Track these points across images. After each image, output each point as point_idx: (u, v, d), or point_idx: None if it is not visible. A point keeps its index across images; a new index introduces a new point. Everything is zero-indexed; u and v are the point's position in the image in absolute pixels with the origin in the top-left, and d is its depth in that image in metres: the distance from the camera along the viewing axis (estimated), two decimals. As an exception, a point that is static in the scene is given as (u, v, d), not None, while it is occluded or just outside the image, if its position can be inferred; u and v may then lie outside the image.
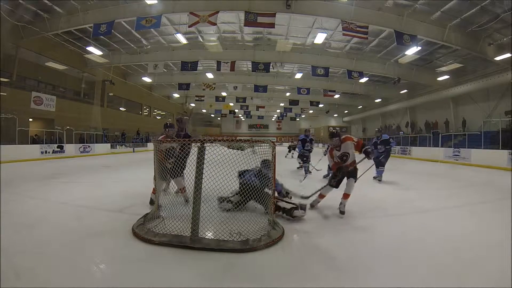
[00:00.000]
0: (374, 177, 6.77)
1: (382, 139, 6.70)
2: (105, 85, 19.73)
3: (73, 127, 15.76)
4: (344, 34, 10.98)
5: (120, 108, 23.96)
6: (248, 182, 3.36)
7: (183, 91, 21.06)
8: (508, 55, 11.59)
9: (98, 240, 2.68)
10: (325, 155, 5.82)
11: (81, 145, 15.36)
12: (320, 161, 8.00)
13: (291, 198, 3.97)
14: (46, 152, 12.71)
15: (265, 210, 3.37)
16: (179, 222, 2.81)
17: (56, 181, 6.21)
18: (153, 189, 3.99)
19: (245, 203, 3.37)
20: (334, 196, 4.69)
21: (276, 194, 3.67)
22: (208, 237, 2.64)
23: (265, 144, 3.23)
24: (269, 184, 3.36)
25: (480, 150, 11.94)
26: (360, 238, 2.85)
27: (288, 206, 3.45)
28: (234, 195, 3.54)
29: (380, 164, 6.66)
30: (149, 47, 16.06)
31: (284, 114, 34.88)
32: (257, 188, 3.26)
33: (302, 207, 3.47)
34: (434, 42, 12.00)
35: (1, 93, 12.48)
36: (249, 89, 23.16)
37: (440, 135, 16.01)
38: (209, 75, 18.82)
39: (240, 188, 3.44)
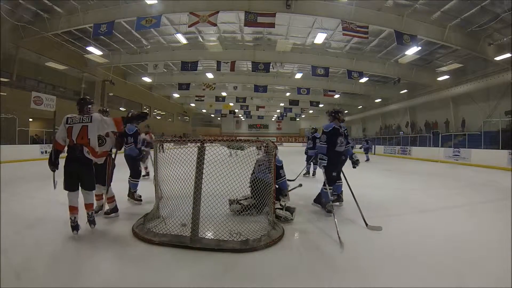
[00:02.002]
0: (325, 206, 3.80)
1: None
2: (105, 85, 19.73)
3: (73, 127, 15.75)
4: (344, 34, 10.98)
5: (120, 108, 23.95)
6: (260, 178, 3.28)
7: (183, 90, 21.07)
8: (508, 55, 11.59)
9: (98, 240, 2.68)
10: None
11: (81, 145, 15.34)
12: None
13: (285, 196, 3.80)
14: (46, 152, 12.69)
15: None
16: (179, 222, 2.81)
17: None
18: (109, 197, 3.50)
19: (262, 205, 3.19)
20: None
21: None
22: (208, 237, 2.63)
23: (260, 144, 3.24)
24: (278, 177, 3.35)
25: (480, 150, 11.94)
26: (360, 238, 2.85)
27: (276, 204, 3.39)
28: (246, 199, 3.46)
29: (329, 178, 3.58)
30: (149, 47, 16.06)
31: (284, 114, 34.88)
32: (269, 183, 3.22)
33: (290, 210, 3.38)
34: (434, 42, 12.00)
35: (1, 93, 12.48)
36: (249, 89, 23.16)
37: (440, 135, 16.01)
38: (209, 75, 18.82)
39: (251, 187, 3.33)
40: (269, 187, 3.19)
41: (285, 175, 3.80)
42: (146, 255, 2.36)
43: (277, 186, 3.62)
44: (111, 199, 3.45)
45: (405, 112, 24.20)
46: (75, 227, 2.72)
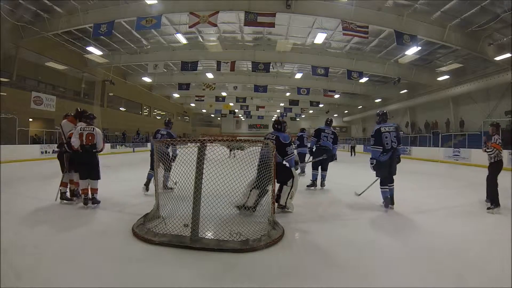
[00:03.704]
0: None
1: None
2: (105, 85, 19.74)
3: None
4: (344, 34, 10.98)
5: (120, 108, 23.96)
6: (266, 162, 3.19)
7: (183, 90, 21.08)
8: (508, 55, 11.59)
9: (98, 240, 2.68)
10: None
11: (81, 145, 15.33)
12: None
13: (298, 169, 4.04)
14: (46, 152, 12.70)
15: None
16: (179, 222, 2.81)
17: (56, 181, 6.19)
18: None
19: (265, 191, 3.22)
20: (334, 196, 4.70)
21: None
22: (208, 237, 2.64)
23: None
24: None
25: (480, 150, 11.90)
26: (360, 238, 2.85)
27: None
28: (249, 196, 3.42)
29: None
30: (149, 47, 16.07)
31: (284, 114, 34.83)
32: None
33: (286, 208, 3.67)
34: (434, 42, 12.00)
35: (1, 93, 12.48)
36: (249, 89, 23.16)
37: (440, 135, 16.02)
38: (209, 75, 18.83)
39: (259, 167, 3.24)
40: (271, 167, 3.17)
41: (292, 152, 3.77)
42: (146, 255, 2.36)
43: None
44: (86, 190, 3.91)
45: (405, 112, 24.20)
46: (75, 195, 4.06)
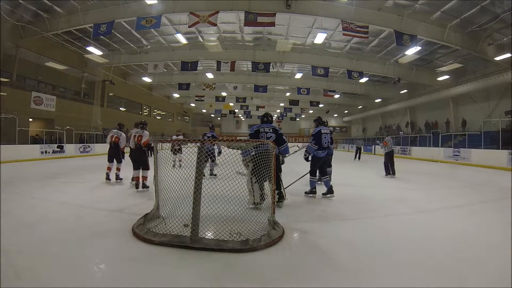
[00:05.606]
0: None
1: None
2: (105, 85, 19.74)
3: (73, 127, 15.76)
4: (344, 34, 10.98)
5: (120, 108, 23.96)
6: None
7: (183, 90, 21.08)
8: (508, 55, 11.59)
9: (98, 240, 2.68)
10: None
11: (81, 145, 15.35)
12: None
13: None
14: (46, 152, 12.70)
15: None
16: (179, 222, 2.81)
17: (56, 181, 6.21)
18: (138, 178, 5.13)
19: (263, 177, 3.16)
20: (334, 196, 4.70)
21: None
22: (208, 237, 2.63)
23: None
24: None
25: (480, 150, 11.94)
26: (360, 238, 2.85)
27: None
28: (253, 191, 3.51)
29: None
30: (149, 47, 16.06)
31: (284, 114, 34.82)
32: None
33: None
34: (434, 42, 12.00)
35: (1, 93, 12.48)
36: (249, 89, 23.16)
37: (440, 135, 16.01)
38: (209, 75, 18.82)
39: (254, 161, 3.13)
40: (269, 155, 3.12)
41: (286, 141, 4.11)
42: (146, 255, 2.36)
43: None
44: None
45: (405, 112, 24.21)
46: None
